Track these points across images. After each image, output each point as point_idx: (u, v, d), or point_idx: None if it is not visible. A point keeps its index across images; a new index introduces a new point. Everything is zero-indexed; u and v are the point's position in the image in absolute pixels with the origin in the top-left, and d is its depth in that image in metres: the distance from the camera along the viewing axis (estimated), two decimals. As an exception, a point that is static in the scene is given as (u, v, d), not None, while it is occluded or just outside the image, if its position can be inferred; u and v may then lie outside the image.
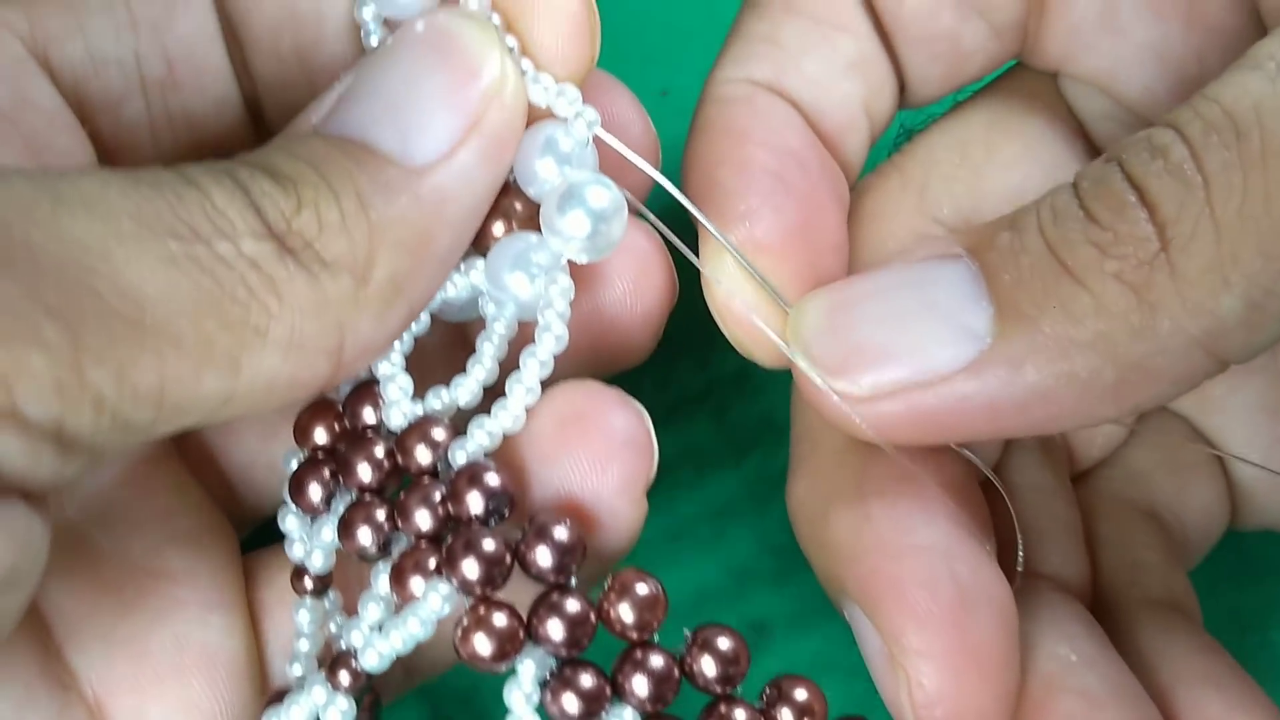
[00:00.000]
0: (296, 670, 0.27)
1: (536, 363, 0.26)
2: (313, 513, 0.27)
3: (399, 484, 0.27)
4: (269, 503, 0.31)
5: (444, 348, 0.29)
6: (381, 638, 0.25)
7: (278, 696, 0.27)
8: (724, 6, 0.42)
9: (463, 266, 0.27)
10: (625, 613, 0.25)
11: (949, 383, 0.25)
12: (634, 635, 0.25)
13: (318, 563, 0.27)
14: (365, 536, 0.26)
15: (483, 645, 0.25)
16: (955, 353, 0.25)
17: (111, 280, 0.20)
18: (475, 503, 0.25)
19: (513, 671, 0.25)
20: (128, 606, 0.27)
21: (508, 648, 0.25)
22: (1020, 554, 0.30)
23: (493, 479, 0.25)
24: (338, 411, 0.27)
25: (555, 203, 0.26)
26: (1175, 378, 0.24)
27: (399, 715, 0.34)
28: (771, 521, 0.38)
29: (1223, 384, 0.28)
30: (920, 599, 0.26)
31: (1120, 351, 0.23)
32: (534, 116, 0.27)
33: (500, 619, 0.25)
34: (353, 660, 0.26)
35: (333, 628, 0.28)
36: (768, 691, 0.26)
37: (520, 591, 0.25)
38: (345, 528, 0.26)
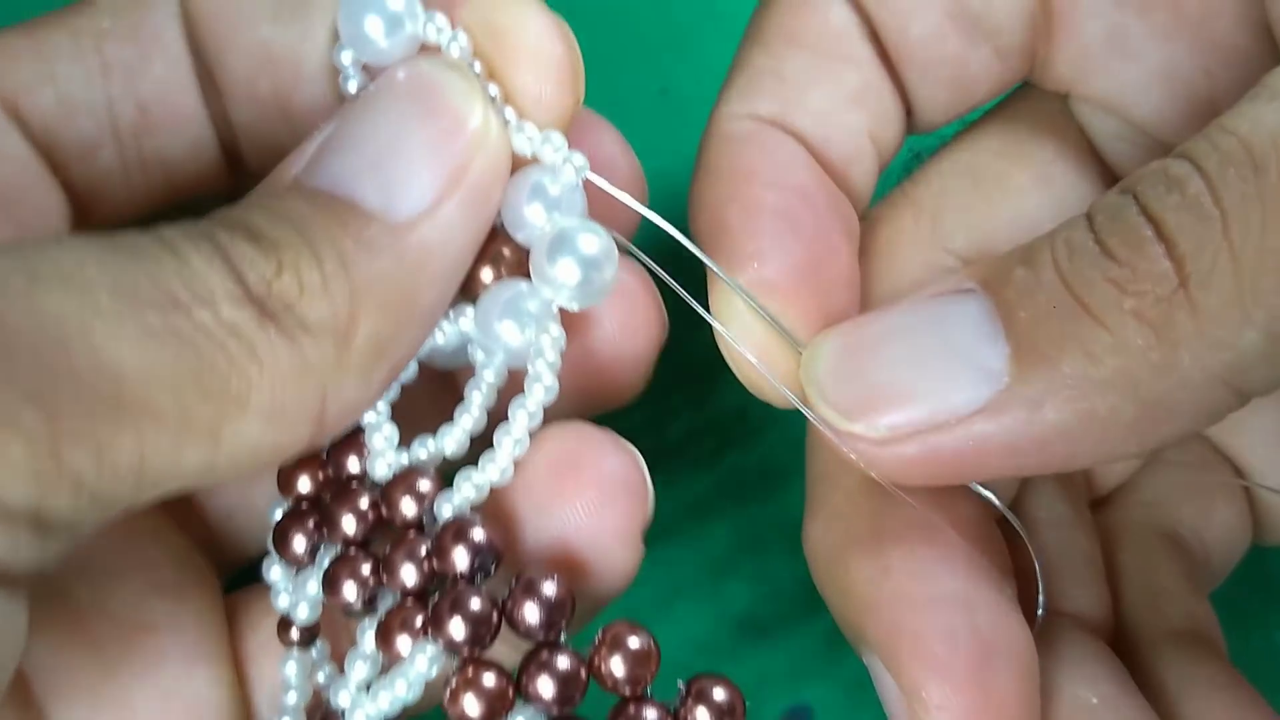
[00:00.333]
0: (285, 724, 0.27)
1: (525, 414, 0.26)
2: (297, 564, 0.26)
3: (385, 534, 0.26)
4: (252, 547, 0.31)
5: (431, 391, 0.29)
6: (369, 699, 0.25)
7: None
8: (723, 5, 0.41)
9: (451, 314, 0.27)
10: (617, 667, 0.25)
11: (967, 424, 0.24)
12: (626, 690, 0.25)
13: (303, 614, 0.27)
14: (350, 592, 0.25)
15: (472, 706, 0.24)
16: (972, 394, 0.24)
17: (89, 358, 0.20)
18: (461, 559, 0.25)
19: (504, 730, 0.25)
20: (111, 662, 0.26)
21: (497, 707, 0.24)
22: (1041, 597, 0.30)
23: (478, 534, 0.25)
24: (322, 460, 0.27)
25: (545, 250, 0.26)
26: (1197, 413, 0.24)
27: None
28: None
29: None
30: (940, 653, 0.26)
31: (1141, 389, 0.23)
32: (519, 162, 0.26)
33: (489, 679, 0.24)
34: None
35: (321, 678, 0.27)
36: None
37: (512, 640, 0.25)
38: (330, 583, 0.25)
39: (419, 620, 0.25)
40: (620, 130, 0.30)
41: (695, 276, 0.29)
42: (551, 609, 0.24)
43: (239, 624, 0.29)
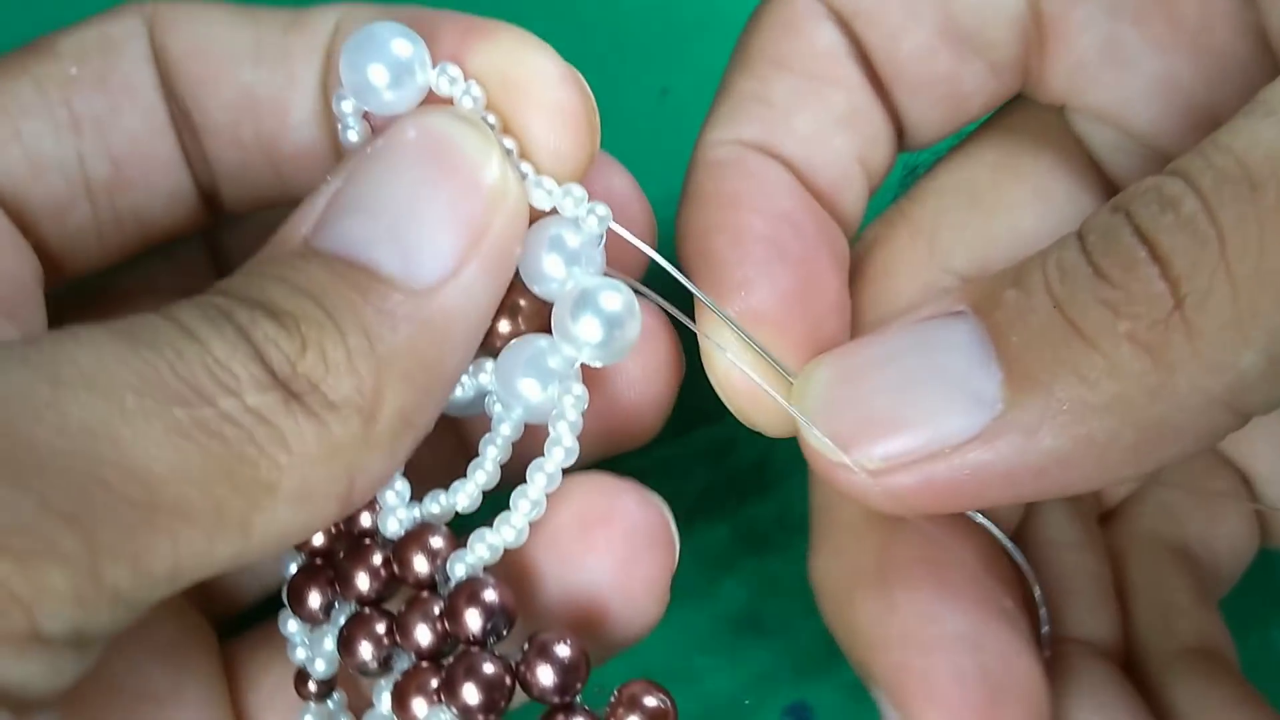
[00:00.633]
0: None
1: (544, 477, 0.26)
2: (313, 621, 0.26)
3: (399, 588, 0.26)
4: (247, 595, 0.30)
5: (441, 435, 0.28)
6: (388, 761, 0.25)
7: None
8: (724, 5, 0.40)
9: (471, 368, 0.26)
10: (633, 727, 0.25)
11: (962, 452, 0.24)
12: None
13: (320, 668, 0.27)
14: (366, 652, 0.25)
15: (487, 769, 0.24)
16: (967, 421, 0.24)
17: (119, 466, 0.20)
18: (473, 621, 0.25)
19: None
20: None
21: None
22: (1046, 629, 0.30)
23: (491, 595, 0.25)
24: None
25: (568, 307, 0.26)
26: (1197, 435, 0.23)
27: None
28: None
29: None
30: (949, 695, 0.26)
31: (1138, 413, 0.23)
32: (535, 214, 0.26)
33: (504, 742, 0.24)
34: None
35: None
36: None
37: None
38: (346, 644, 0.26)
39: (434, 683, 0.25)
40: (620, 130, 0.29)
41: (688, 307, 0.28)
42: (566, 671, 0.24)
43: (239, 679, 0.28)
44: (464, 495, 0.26)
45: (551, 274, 0.26)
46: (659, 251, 0.27)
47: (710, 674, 0.36)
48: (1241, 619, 0.36)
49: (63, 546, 0.19)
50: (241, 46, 0.27)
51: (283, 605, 0.27)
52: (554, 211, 0.26)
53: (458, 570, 0.25)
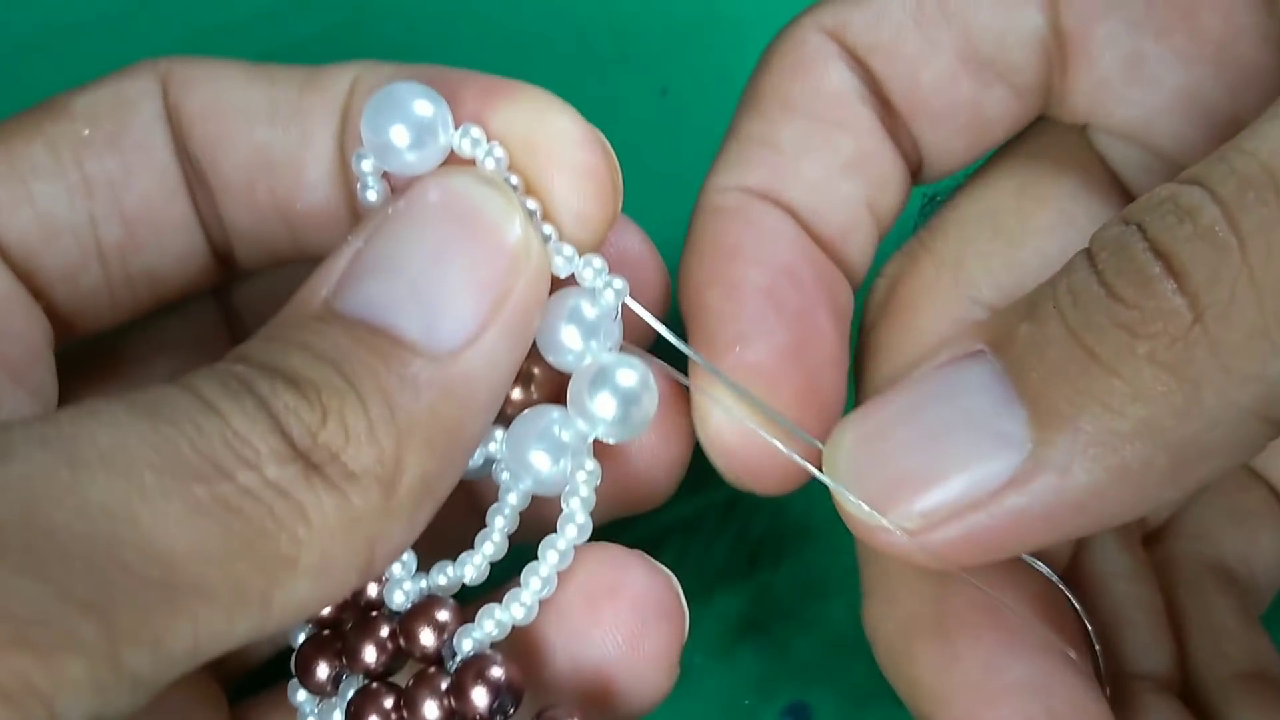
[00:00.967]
0: None
1: (556, 554, 0.26)
2: (320, 693, 0.26)
3: (406, 662, 0.26)
4: (257, 655, 0.30)
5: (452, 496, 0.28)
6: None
7: None
8: (724, 6, 0.40)
9: None
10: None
11: (999, 498, 0.23)
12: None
13: None
14: None
15: None
16: (999, 466, 0.23)
17: (139, 547, 0.19)
18: (480, 698, 0.24)
19: None
20: None
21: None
22: (1101, 664, 0.29)
23: (497, 673, 0.25)
24: None
25: (585, 384, 0.25)
26: (1233, 450, 0.23)
27: None
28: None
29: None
30: None
31: (1168, 435, 0.22)
32: (554, 280, 0.26)
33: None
34: None
35: None
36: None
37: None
38: (354, 719, 0.25)
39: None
40: (620, 131, 0.29)
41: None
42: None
43: None
44: (471, 567, 0.26)
45: (568, 345, 0.26)
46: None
47: (710, 674, 0.36)
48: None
49: (82, 636, 0.18)
50: (256, 105, 0.27)
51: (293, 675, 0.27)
52: (572, 279, 0.26)
53: (465, 645, 0.25)
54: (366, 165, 0.26)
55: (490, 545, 0.26)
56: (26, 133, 0.26)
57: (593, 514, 0.26)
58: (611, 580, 0.26)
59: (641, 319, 0.27)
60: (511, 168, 0.25)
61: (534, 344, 0.26)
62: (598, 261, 0.26)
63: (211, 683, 0.29)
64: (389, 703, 0.25)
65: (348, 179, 0.27)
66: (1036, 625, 0.27)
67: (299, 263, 0.28)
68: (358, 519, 0.22)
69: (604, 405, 0.25)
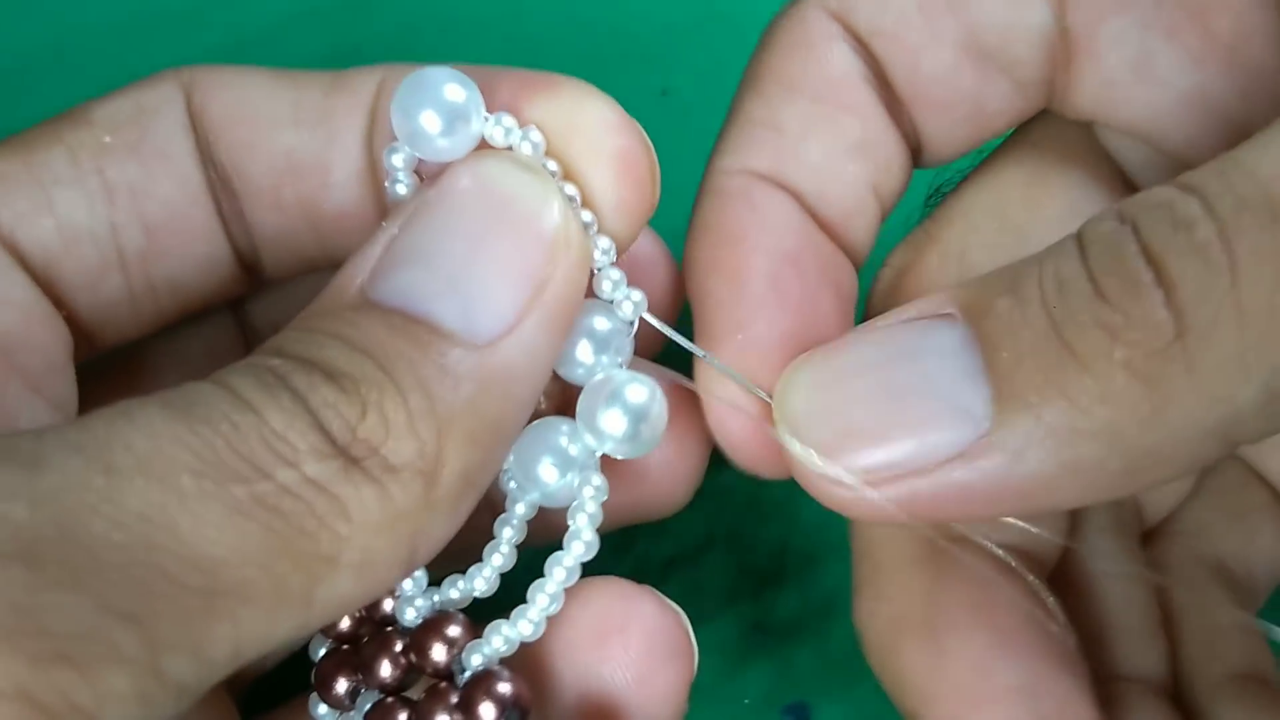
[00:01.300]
0: None
1: (563, 571, 0.26)
2: (339, 707, 0.26)
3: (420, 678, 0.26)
4: (268, 663, 0.30)
5: None
6: None
7: None
8: (724, 6, 0.40)
9: None
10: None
11: (946, 469, 0.23)
12: None
13: None
14: None
15: None
16: (952, 437, 0.23)
17: (178, 554, 0.19)
18: (488, 714, 0.25)
19: None
20: None
21: None
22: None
23: (505, 688, 0.25)
24: None
25: (595, 400, 0.25)
26: (1185, 463, 0.23)
27: None
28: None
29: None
30: None
31: (1127, 442, 0.22)
32: None
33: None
34: None
35: None
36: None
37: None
38: None
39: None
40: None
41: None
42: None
43: None
44: (481, 580, 0.26)
45: (580, 359, 0.26)
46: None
47: (710, 673, 0.37)
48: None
49: (124, 648, 0.18)
50: (281, 109, 0.27)
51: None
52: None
53: (474, 661, 0.25)
54: (398, 160, 0.26)
55: (499, 557, 0.26)
56: (47, 141, 0.26)
57: (606, 521, 0.26)
58: (621, 617, 0.26)
59: (650, 328, 0.26)
60: (548, 154, 0.25)
61: None
62: (615, 274, 0.25)
63: (224, 695, 0.29)
64: (403, 717, 0.26)
65: (376, 180, 0.27)
66: (1030, 623, 0.27)
67: (326, 270, 0.27)
68: (400, 513, 0.21)
69: (613, 422, 0.25)
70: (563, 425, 0.26)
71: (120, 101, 0.27)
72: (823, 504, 0.25)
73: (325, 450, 0.21)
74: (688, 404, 0.28)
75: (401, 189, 0.26)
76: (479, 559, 0.27)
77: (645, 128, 0.27)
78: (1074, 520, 0.32)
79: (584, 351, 0.26)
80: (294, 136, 0.27)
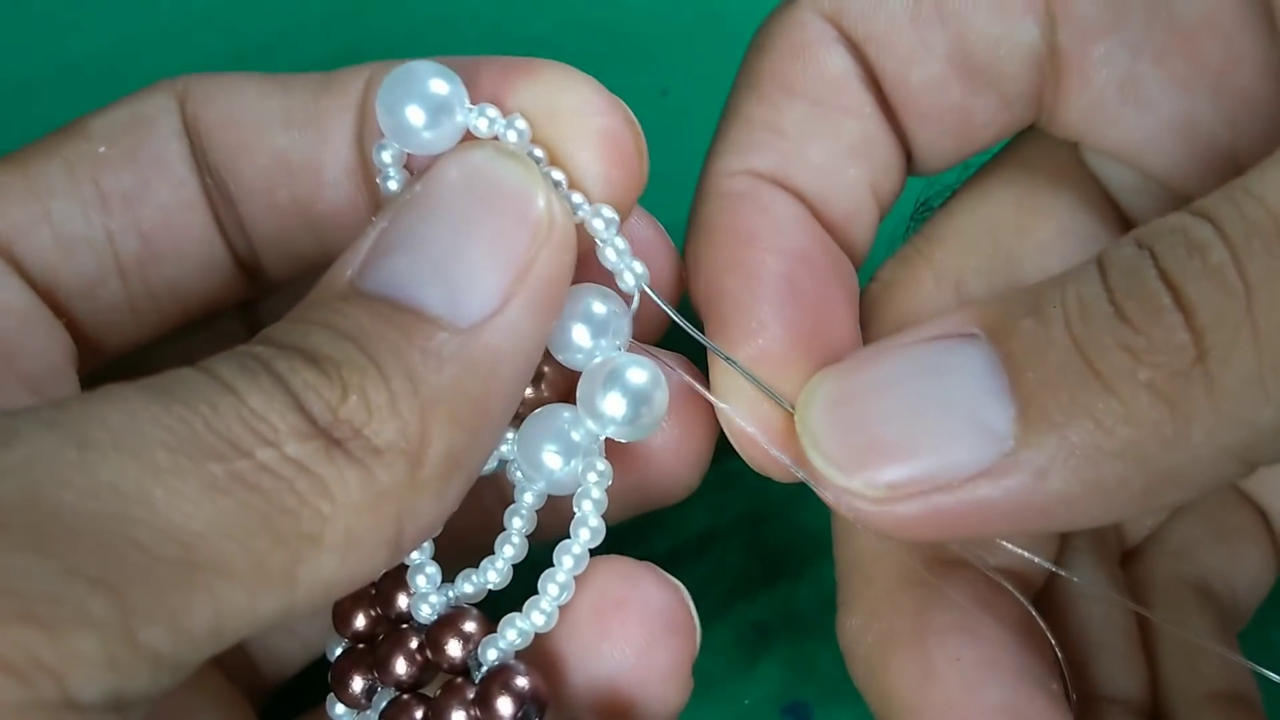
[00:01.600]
0: None
1: (571, 559, 0.26)
2: (356, 706, 0.26)
3: (436, 674, 0.26)
4: (288, 668, 0.30)
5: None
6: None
7: None
8: (724, 5, 0.40)
9: None
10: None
11: (969, 486, 0.23)
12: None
13: None
14: None
15: None
16: (976, 455, 0.23)
17: (153, 526, 0.19)
18: (505, 708, 0.25)
19: None
20: None
21: None
22: (1073, 696, 0.29)
23: (522, 682, 0.25)
24: (372, 595, 0.27)
25: (595, 383, 0.25)
26: (1205, 483, 0.23)
27: None
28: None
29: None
30: None
31: (1150, 462, 0.22)
32: (584, 249, 0.26)
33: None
34: None
35: None
36: None
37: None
38: None
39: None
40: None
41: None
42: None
43: None
44: (494, 572, 0.26)
45: (578, 344, 0.26)
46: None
47: (709, 673, 0.36)
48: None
49: (92, 611, 0.18)
50: (272, 111, 0.27)
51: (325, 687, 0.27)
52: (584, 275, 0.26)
53: (490, 655, 0.25)
54: (387, 156, 0.26)
55: (510, 548, 0.26)
56: (44, 154, 0.27)
57: (615, 511, 0.26)
58: (620, 593, 0.26)
59: (650, 313, 0.26)
60: (535, 140, 0.25)
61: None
62: (621, 243, 0.25)
63: (246, 707, 0.29)
64: (419, 714, 0.26)
65: (368, 177, 0.27)
66: (1015, 645, 0.27)
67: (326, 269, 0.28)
68: (384, 494, 0.21)
69: (614, 405, 0.25)
70: (564, 412, 0.26)
71: (116, 113, 0.27)
72: (846, 518, 0.25)
73: (306, 431, 0.21)
74: (690, 388, 0.28)
75: (393, 185, 0.26)
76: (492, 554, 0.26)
77: (645, 128, 0.27)
78: (1064, 540, 0.32)
79: (581, 336, 0.26)
80: (285, 138, 0.27)
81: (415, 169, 0.26)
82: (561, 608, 0.26)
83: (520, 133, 0.25)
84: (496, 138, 0.25)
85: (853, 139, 0.29)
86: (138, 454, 0.19)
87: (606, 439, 0.26)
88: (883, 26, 0.28)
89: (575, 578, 0.26)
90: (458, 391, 0.22)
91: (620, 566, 0.26)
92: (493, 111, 0.25)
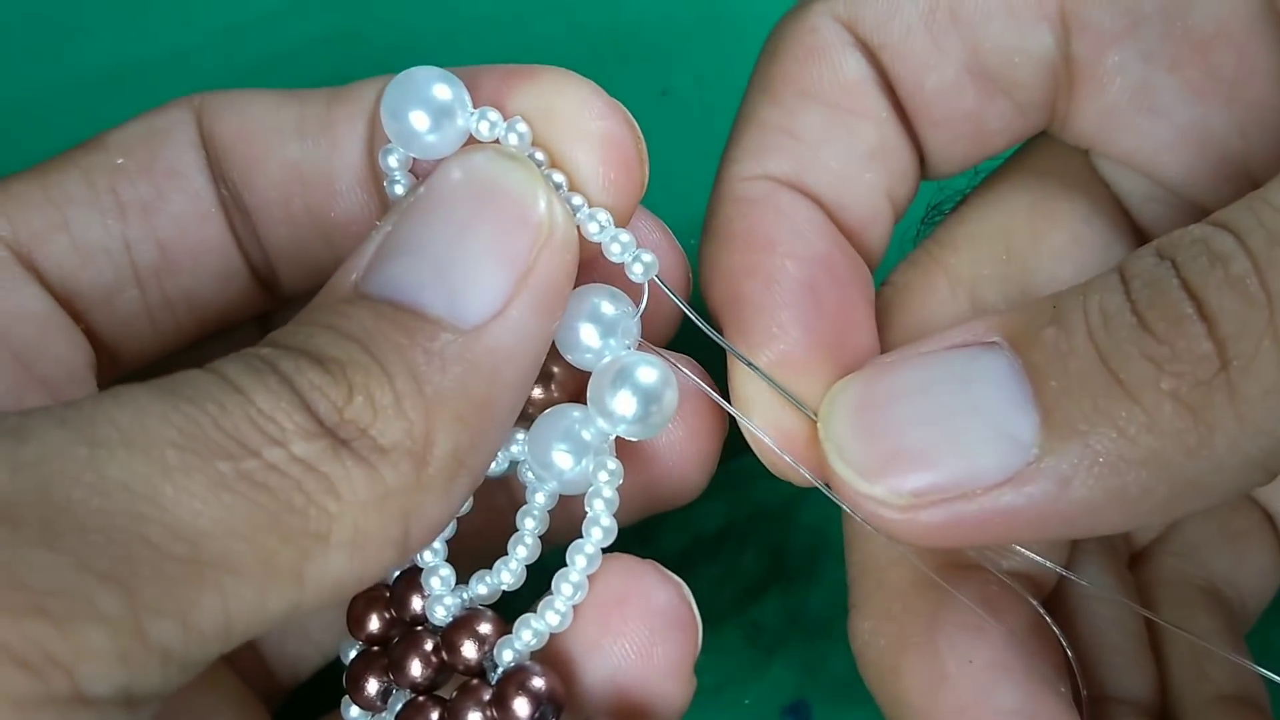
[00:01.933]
0: None
1: (584, 558, 0.26)
2: (371, 709, 0.27)
3: (451, 675, 0.26)
4: (303, 671, 0.30)
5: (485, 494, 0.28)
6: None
7: None
8: (724, 6, 0.40)
9: None
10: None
11: (992, 494, 0.23)
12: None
13: None
14: None
15: None
16: (999, 463, 0.23)
17: (162, 523, 0.19)
18: (522, 709, 0.25)
19: None
20: None
21: None
22: (1084, 693, 0.29)
23: (538, 683, 0.25)
24: (386, 598, 0.27)
25: (605, 382, 0.25)
26: (1227, 492, 0.23)
27: None
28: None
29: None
30: None
31: (1173, 470, 0.22)
32: (586, 254, 0.26)
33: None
34: None
35: None
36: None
37: None
38: None
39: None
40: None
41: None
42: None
43: None
44: (508, 573, 0.26)
45: (587, 344, 0.26)
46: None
47: (709, 673, 0.37)
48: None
49: (102, 606, 0.18)
50: (286, 124, 0.27)
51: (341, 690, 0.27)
52: (595, 271, 0.26)
53: (505, 656, 0.25)
54: (393, 160, 0.26)
55: (523, 548, 0.26)
56: (63, 166, 0.27)
57: (626, 512, 0.26)
58: (622, 590, 0.26)
59: (658, 317, 0.27)
60: (535, 143, 0.25)
61: (553, 343, 0.26)
62: (625, 236, 0.25)
63: (258, 704, 0.29)
64: (435, 716, 0.26)
65: (380, 186, 0.27)
66: (1027, 649, 0.27)
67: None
68: (390, 493, 0.22)
69: (624, 403, 0.25)
70: (574, 411, 0.26)
71: (134, 127, 0.28)
72: (868, 525, 0.25)
73: (312, 430, 0.21)
74: (699, 388, 0.28)
75: (400, 189, 0.26)
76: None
77: (645, 128, 0.27)
78: (1073, 544, 0.32)
79: (590, 335, 0.26)
80: (299, 149, 0.27)
81: (421, 174, 0.26)
82: (582, 599, 0.26)
83: (521, 136, 0.25)
84: (498, 141, 0.25)
85: (869, 143, 0.29)
86: (147, 452, 0.20)
87: (615, 440, 0.26)
88: (898, 32, 0.28)
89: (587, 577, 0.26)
90: (462, 392, 0.23)
91: (622, 564, 0.26)
92: (494, 115, 0.25)
